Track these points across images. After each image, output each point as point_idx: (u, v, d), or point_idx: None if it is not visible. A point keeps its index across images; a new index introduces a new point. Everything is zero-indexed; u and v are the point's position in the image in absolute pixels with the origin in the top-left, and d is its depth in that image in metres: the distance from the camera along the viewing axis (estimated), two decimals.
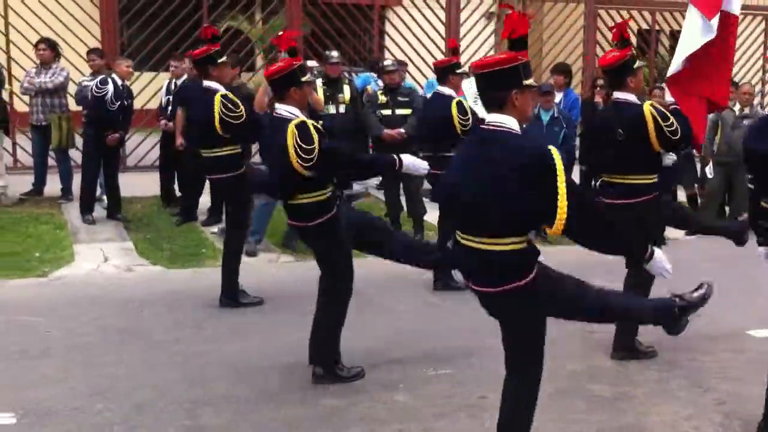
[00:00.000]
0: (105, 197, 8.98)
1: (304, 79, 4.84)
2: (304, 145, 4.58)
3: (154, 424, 4.32)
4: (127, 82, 8.84)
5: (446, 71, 6.90)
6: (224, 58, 6.30)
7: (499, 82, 3.32)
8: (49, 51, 9.33)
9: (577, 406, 4.61)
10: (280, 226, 8.25)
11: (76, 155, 9.81)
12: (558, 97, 9.25)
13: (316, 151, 4.60)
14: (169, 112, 9.09)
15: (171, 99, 9.09)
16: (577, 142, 8.83)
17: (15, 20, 10.89)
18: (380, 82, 9.43)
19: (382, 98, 8.42)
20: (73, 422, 4.30)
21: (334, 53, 9.02)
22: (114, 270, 7.27)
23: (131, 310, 6.15)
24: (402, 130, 8.18)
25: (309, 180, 4.70)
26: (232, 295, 6.33)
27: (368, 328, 5.84)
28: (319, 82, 8.28)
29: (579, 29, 13.28)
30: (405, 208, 8.56)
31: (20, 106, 10.34)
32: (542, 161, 3.20)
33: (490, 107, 3.38)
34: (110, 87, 8.48)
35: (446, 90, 6.87)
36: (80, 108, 9.35)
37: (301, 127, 4.64)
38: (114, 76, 8.58)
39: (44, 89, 9.17)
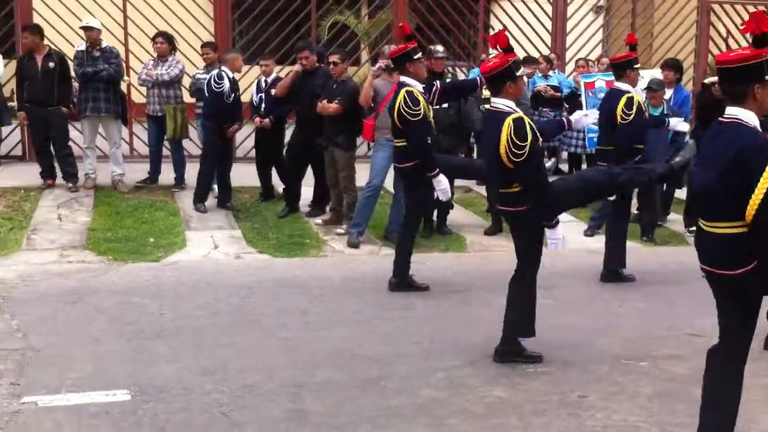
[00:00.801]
0: (216, 187, 9.29)
1: (518, 73, 5.03)
2: (517, 141, 4.80)
3: (261, 405, 4.47)
4: (237, 76, 9.12)
5: (624, 66, 7.03)
6: (420, 54, 6.52)
7: (743, 77, 3.57)
8: (166, 44, 9.70)
9: (678, 409, 4.53)
10: (382, 218, 8.39)
11: (188, 145, 10.21)
12: (668, 93, 9.04)
13: (527, 148, 4.80)
14: (262, 109, 9.32)
15: (263, 96, 9.32)
16: (688, 138, 8.63)
17: (133, 14, 11.36)
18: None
19: (486, 93, 8.40)
20: (184, 400, 4.50)
21: (440, 48, 9.04)
22: (223, 257, 7.53)
23: (240, 296, 6.37)
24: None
25: (512, 172, 4.91)
26: (402, 279, 6.57)
27: (471, 322, 5.90)
28: None
29: (691, 24, 12.91)
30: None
31: (137, 97, 10.79)
32: (756, 155, 3.45)
33: (731, 101, 3.64)
34: (226, 81, 8.79)
35: (623, 85, 6.98)
36: (194, 100, 9.71)
37: (518, 122, 4.85)
38: (225, 69, 8.87)
39: (160, 81, 9.55)
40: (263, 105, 9.32)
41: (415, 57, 6.41)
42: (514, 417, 4.42)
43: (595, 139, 9.23)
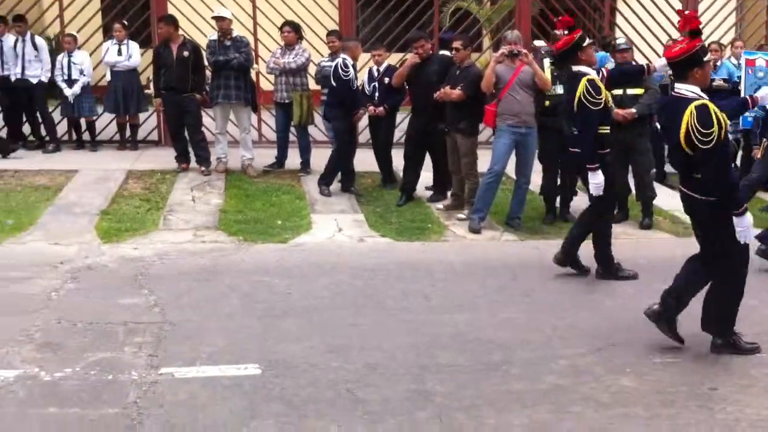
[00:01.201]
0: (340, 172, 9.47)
1: (705, 59, 4.93)
2: (701, 128, 4.68)
3: (384, 384, 4.57)
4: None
5: None
6: (588, 41, 6.53)
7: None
8: (293, 33, 9.94)
9: None
10: (503, 205, 8.35)
11: (313, 131, 10.45)
12: None
13: (714, 137, 4.67)
14: (376, 98, 9.37)
15: (376, 85, 9.38)
16: None
17: (262, 4, 11.69)
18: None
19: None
20: (311, 376, 4.65)
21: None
22: (347, 240, 7.68)
23: (363, 278, 6.49)
24: (633, 110, 7.96)
25: (694, 159, 4.81)
26: (607, 267, 6.59)
27: (595, 310, 5.83)
28: (546, 62, 8.21)
29: None
30: (633, 192, 8.36)
31: (266, 84, 11.12)
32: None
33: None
34: (352, 69, 8.96)
35: None
36: (319, 87, 9.92)
37: (702, 109, 4.73)
38: (345, 56, 9.03)
39: (287, 69, 9.80)
40: (377, 93, 9.39)
41: (584, 45, 6.38)
42: (640, 407, 4.35)
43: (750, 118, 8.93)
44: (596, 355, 5.00)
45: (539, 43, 9.72)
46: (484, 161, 8.33)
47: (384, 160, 9.65)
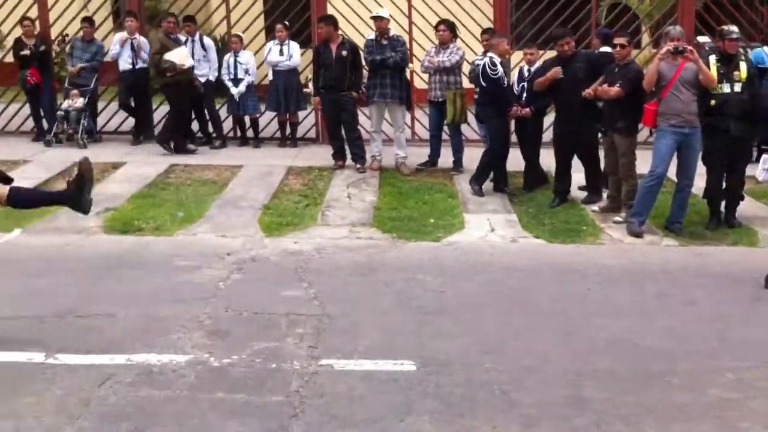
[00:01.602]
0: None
1: None
2: None
3: (539, 388, 4.54)
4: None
5: None
6: None
7: None
8: (448, 32, 10.00)
9: None
10: (663, 208, 8.09)
11: (466, 130, 10.47)
12: None
13: None
14: (524, 99, 9.19)
15: (525, 86, 9.21)
16: None
17: (417, 3, 11.81)
18: None
19: None
20: (465, 375, 4.68)
21: (734, 28, 8.48)
22: (500, 240, 7.66)
23: (516, 279, 6.47)
24: None
25: None
26: None
27: (763, 322, 5.57)
28: (712, 59, 7.88)
29: None
30: None
31: (420, 83, 11.23)
32: None
33: None
34: (500, 66, 8.91)
35: None
36: (473, 85, 9.93)
37: None
38: (492, 54, 8.99)
39: (442, 67, 9.87)
40: (524, 94, 9.21)
41: None
42: None
43: None
44: (765, 369, 4.77)
45: (703, 38, 9.34)
46: (641, 162, 8.11)
47: (530, 163, 9.50)
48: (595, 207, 8.62)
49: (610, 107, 8.14)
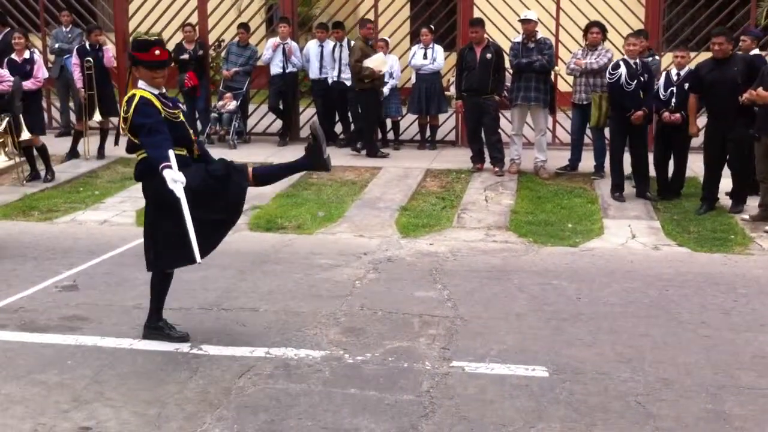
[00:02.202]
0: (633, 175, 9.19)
1: None
2: None
3: (678, 401, 4.39)
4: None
5: None
6: None
7: None
8: (600, 34, 9.81)
9: None
10: None
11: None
12: None
13: None
14: (672, 103, 8.78)
15: (674, 90, 8.82)
16: None
17: (565, 5, 11.62)
18: None
19: None
20: (600, 384, 4.59)
21: None
22: (641, 247, 7.45)
23: (657, 288, 6.27)
24: None
25: None
26: None
27: None
28: None
29: None
30: None
31: (562, 86, 11.06)
32: None
33: None
34: (622, 69, 8.67)
35: None
36: None
37: None
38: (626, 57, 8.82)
39: (589, 70, 9.68)
40: (673, 99, 8.79)
41: None
42: None
43: None
44: None
45: None
46: None
47: (679, 170, 9.12)
48: (746, 216, 8.23)
49: (765, 111, 7.75)
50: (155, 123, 4.79)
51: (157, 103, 4.91)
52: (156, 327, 5.20)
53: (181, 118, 5.09)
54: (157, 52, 4.95)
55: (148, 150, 4.80)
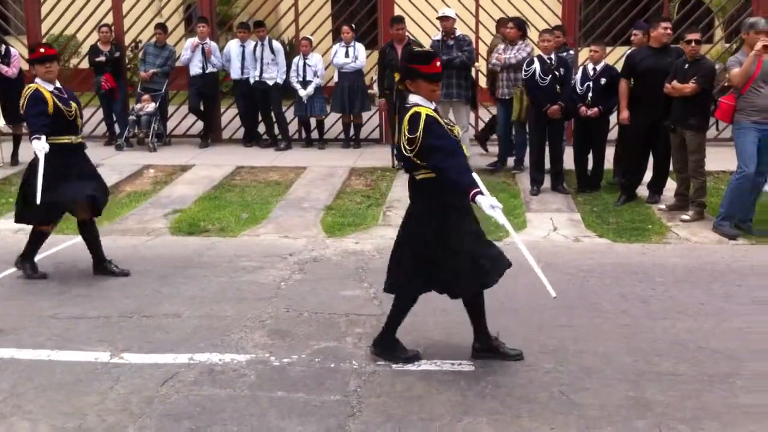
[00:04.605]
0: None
1: None
2: None
3: (600, 389, 4.48)
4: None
5: None
6: None
7: None
8: (515, 29, 9.93)
9: None
10: None
11: None
12: None
13: None
14: (589, 98, 8.88)
15: (591, 85, 8.94)
16: None
17: (484, 2, 11.75)
18: None
19: None
20: (524, 376, 4.65)
21: None
22: (562, 239, 7.57)
23: (579, 279, 6.38)
24: None
25: None
26: None
27: None
28: None
29: None
30: None
31: (484, 82, 11.18)
32: None
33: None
34: (536, 65, 8.84)
35: None
36: None
37: None
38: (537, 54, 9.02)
39: (508, 65, 9.80)
40: (590, 94, 8.91)
41: None
42: None
43: None
44: None
45: None
46: (709, 159, 7.96)
47: (598, 164, 9.29)
48: (663, 205, 8.45)
49: (681, 104, 7.95)
50: (452, 144, 4.45)
51: None
52: (390, 346, 4.93)
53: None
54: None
55: (454, 175, 4.37)
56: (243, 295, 6.07)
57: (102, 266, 6.54)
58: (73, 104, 6.33)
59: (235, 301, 5.94)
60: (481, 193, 4.33)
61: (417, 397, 4.42)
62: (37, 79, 6.27)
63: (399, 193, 9.19)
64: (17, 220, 6.59)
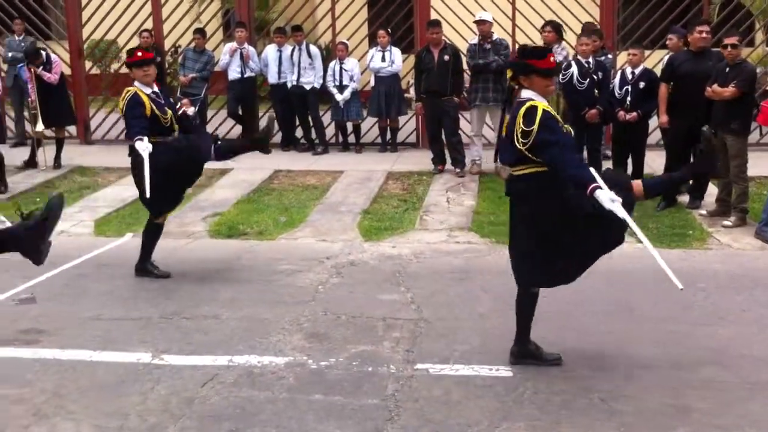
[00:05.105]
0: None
1: None
2: None
3: (640, 396, 4.44)
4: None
5: None
6: None
7: None
8: (553, 33, 9.88)
9: None
10: None
11: None
12: None
13: None
14: (628, 102, 8.79)
15: (629, 89, 8.85)
16: None
17: (521, 5, 11.70)
18: None
19: None
20: (563, 383, 4.62)
21: None
22: None
23: (618, 285, 6.31)
24: None
25: None
26: None
27: None
28: None
29: None
30: None
31: None
32: None
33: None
34: (573, 69, 8.79)
35: None
36: None
37: None
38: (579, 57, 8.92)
39: None
40: (629, 98, 8.80)
41: None
42: None
43: None
44: None
45: None
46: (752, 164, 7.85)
47: (638, 169, 9.20)
48: (703, 211, 8.35)
49: (722, 108, 7.85)
50: (568, 140, 4.46)
51: None
52: (526, 351, 4.88)
53: None
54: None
55: (571, 170, 4.35)
56: (281, 298, 6.11)
57: (143, 267, 6.62)
58: (169, 111, 6.42)
59: (274, 303, 5.98)
60: (599, 187, 4.24)
61: (455, 402, 4.42)
62: (136, 83, 6.39)
63: (436, 197, 9.20)
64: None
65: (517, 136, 4.44)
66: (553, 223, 4.51)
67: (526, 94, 4.53)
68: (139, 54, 6.46)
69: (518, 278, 4.81)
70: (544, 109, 4.41)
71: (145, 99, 6.28)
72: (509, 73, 4.70)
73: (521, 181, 4.61)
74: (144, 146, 6.05)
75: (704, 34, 8.32)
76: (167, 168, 6.16)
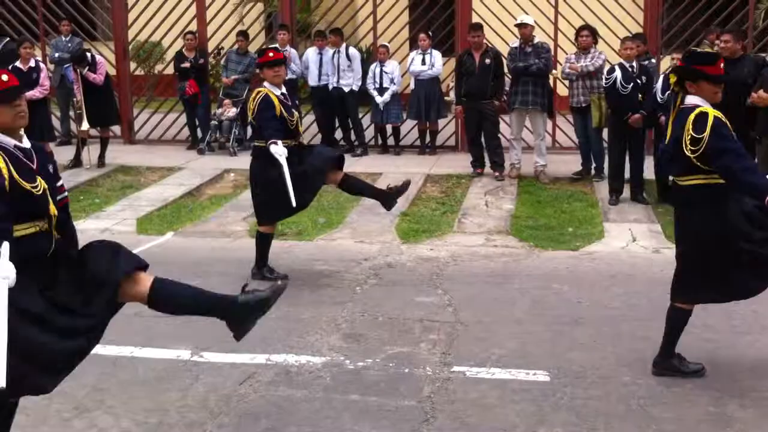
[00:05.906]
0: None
1: None
2: None
3: (679, 403, 4.39)
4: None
5: None
6: None
7: None
8: (591, 37, 9.82)
9: None
10: None
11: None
12: None
13: None
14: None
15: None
16: None
17: (563, 9, 11.63)
18: None
19: None
20: (601, 388, 4.59)
21: None
22: (642, 250, 7.43)
23: (659, 291, 6.19)
24: None
25: None
26: None
27: None
28: None
29: None
30: None
31: (562, 90, 11.06)
32: None
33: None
34: (616, 73, 8.69)
35: None
36: None
37: None
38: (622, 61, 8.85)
39: (585, 73, 9.68)
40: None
41: None
42: None
43: None
44: None
45: None
46: None
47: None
48: None
49: (766, 114, 7.74)
50: (741, 147, 4.32)
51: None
52: (669, 365, 4.78)
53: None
54: None
55: (747, 178, 4.19)
56: (319, 298, 6.15)
57: (260, 272, 6.63)
58: (295, 113, 6.42)
59: (311, 303, 6.02)
60: None
61: (491, 406, 4.41)
62: (266, 83, 6.33)
63: (474, 201, 9.18)
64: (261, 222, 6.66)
65: (686, 143, 4.31)
66: (723, 237, 4.37)
67: (692, 100, 4.43)
68: (271, 54, 6.31)
69: (680, 291, 4.69)
70: (715, 116, 4.29)
71: (275, 100, 6.22)
72: (672, 79, 4.58)
73: (689, 191, 4.46)
74: (280, 150, 6.03)
75: (722, 44, 8.20)
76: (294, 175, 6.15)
